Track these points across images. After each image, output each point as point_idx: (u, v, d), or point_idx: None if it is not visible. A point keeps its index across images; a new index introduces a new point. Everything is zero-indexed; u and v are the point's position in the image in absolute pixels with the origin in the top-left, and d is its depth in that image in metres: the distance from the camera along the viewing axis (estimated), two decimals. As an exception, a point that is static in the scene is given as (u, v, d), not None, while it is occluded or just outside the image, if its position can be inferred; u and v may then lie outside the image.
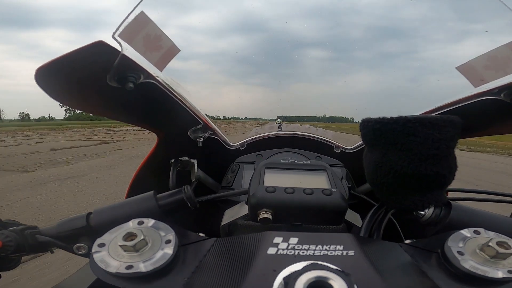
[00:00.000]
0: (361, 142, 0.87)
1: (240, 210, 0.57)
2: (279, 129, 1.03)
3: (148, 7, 0.51)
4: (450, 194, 0.60)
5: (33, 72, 0.42)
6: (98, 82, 0.51)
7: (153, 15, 0.52)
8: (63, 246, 0.46)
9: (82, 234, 0.46)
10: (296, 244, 0.36)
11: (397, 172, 0.43)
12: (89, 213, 0.48)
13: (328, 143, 0.95)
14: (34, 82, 0.44)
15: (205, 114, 0.75)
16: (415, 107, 0.71)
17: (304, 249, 0.35)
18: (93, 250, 0.35)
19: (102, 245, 0.35)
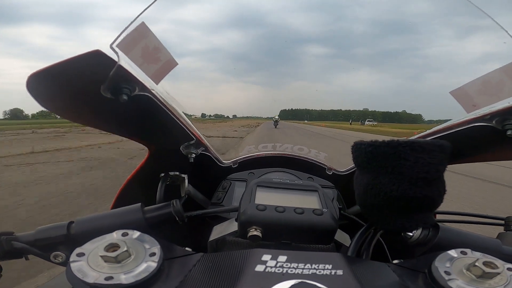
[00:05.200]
0: (353, 165, 0.88)
1: (229, 227, 0.56)
2: (274, 125, 1.02)
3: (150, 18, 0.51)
4: (438, 216, 0.60)
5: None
6: (91, 93, 0.50)
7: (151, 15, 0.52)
8: (39, 254, 0.44)
9: (62, 242, 0.45)
10: (284, 262, 0.35)
11: (387, 195, 0.44)
12: (71, 222, 0.46)
13: (321, 164, 0.96)
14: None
15: (198, 130, 0.75)
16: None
17: (293, 268, 0.34)
18: (71, 259, 0.33)
19: (81, 254, 0.34)
